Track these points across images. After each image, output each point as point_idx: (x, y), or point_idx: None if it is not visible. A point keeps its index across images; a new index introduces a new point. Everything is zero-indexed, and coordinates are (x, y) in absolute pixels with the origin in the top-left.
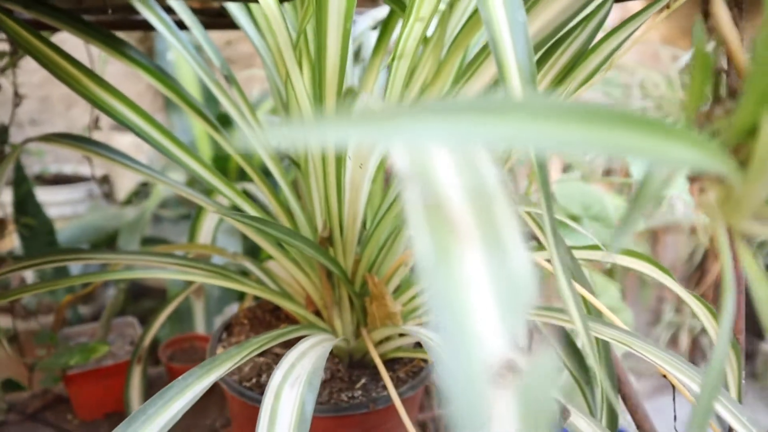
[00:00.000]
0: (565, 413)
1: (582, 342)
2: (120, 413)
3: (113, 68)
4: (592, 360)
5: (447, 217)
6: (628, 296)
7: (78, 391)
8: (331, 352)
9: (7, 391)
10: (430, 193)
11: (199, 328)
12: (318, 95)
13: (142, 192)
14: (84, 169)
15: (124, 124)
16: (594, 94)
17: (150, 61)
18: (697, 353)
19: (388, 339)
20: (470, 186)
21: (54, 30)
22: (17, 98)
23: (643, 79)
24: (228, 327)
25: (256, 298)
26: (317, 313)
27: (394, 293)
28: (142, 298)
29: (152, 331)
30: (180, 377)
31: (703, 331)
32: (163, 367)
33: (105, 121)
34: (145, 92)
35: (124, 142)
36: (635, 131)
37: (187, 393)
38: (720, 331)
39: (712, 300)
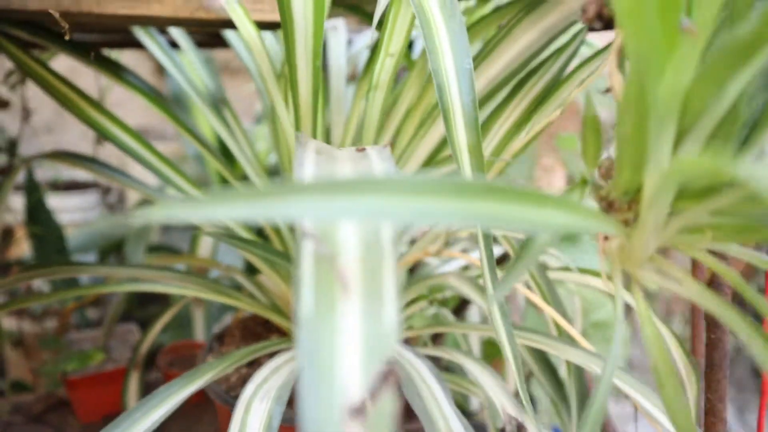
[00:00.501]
0: (521, 430)
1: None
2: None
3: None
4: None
5: (336, 270)
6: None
7: (78, 395)
8: None
9: (14, 393)
10: (326, 248)
11: (199, 335)
12: (297, 126)
13: (150, 201)
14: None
15: (124, 150)
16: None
17: (145, 85)
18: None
19: None
20: (364, 246)
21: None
22: (26, 112)
23: None
24: (220, 337)
25: None
26: None
27: None
28: (149, 304)
29: (149, 338)
30: (164, 385)
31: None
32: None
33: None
34: None
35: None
36: (508, 202)
37: (169, 401)
38: (604, 373)
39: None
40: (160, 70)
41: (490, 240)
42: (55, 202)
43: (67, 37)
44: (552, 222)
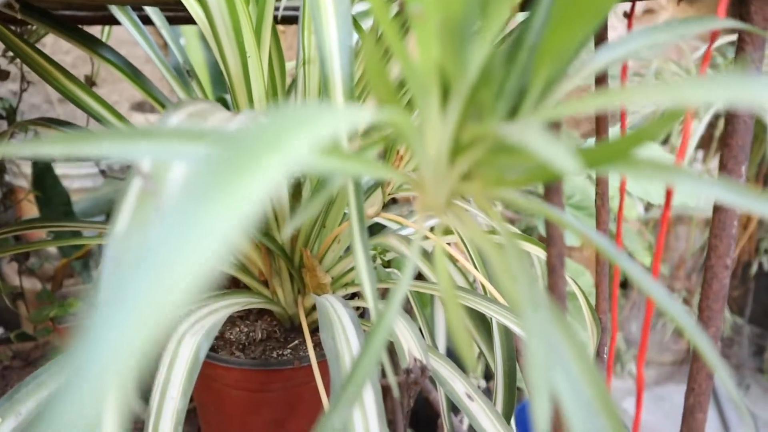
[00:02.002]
0: (424, 371)
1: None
2: None
3: (138, 51)
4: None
5: (156, 200)
6: (633, 283)
7: (67, 342)
8: (273, 317)
9: (19, 341)
10: (153, 185)
11: None
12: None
13: None
14: None
15: (100, 122)
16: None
17: (121, 60)
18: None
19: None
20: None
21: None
22: (24, 83)
23: (659, 68)
24: None
25: None
26: (266, 283)
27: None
28: None
29: None
30: None
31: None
32: None
33: (126, 98)
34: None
35: (140, 119)
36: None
37: None
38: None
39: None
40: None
41: (360, 191)
42: (63, 169)
43: (19, 17)
44: (339, 168)
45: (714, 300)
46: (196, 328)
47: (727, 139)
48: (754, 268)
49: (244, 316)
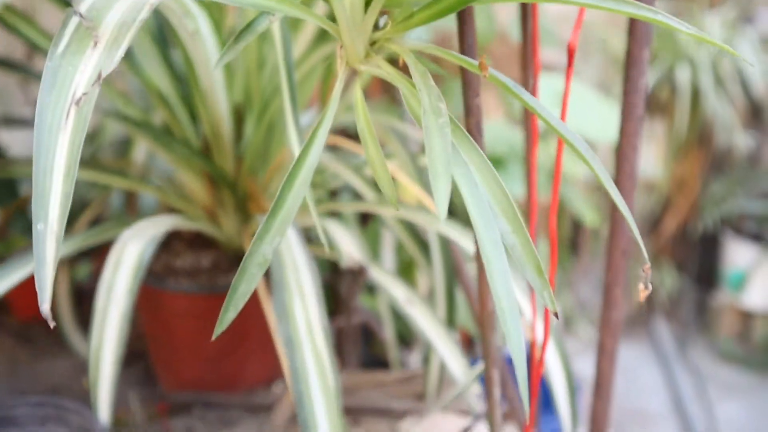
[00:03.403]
0: (361, 271)
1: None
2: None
3: None
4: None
5: (93, 34)
6: (583, 248)
7: (14, 293)
8: (219, 248)
9: None
10: (91, 23)
11: None
12: None
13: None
14: None
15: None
16: (550, 52)
17: None
18: (653, 308)
19: None
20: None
21: None
22: None
23: (605, 38)
24: None
25: None
26: (212, 216)
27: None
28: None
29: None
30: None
31: (658, 286)
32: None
33: None
34: None
35: None
36: None
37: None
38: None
39: (671, 253)
40: None
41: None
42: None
43: None
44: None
45: (627, 179)
46: (139, 235)
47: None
48: (699, 230)
49: (191, 246)
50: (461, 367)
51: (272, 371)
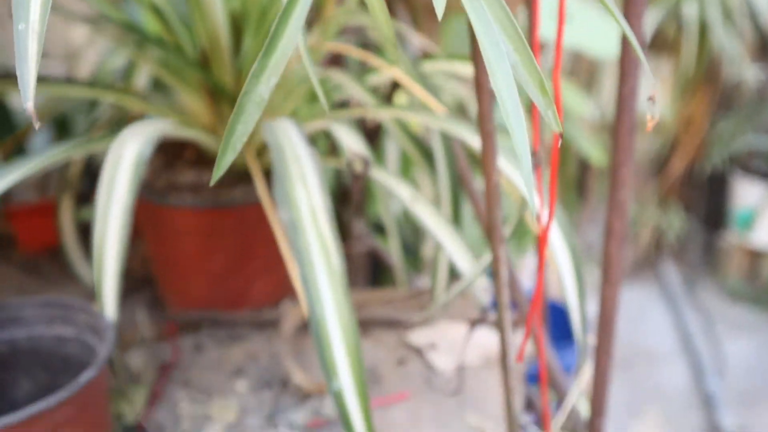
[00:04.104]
0: (366, 163)
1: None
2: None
3: None
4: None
5: None
6: (590, 190)
7: (19, 226)
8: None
9: None
10: None
11: None
12: None
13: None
14: None
15: None
16: None
17: None
18: (661, 250)
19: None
20: None
21: None
22: None
23: None
24: None
25: None
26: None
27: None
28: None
29: (78, 162)
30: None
31: (666, 228)
32: None
33: None
34: None
35: None
36: None
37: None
38: None
39: (678, 194)
40: None
41: None
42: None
43: None
44: None
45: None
46: (139, 133)
47: None
48: (707, 170)
49: (193, 165)
50: (468, 263)
51: (280, 291)
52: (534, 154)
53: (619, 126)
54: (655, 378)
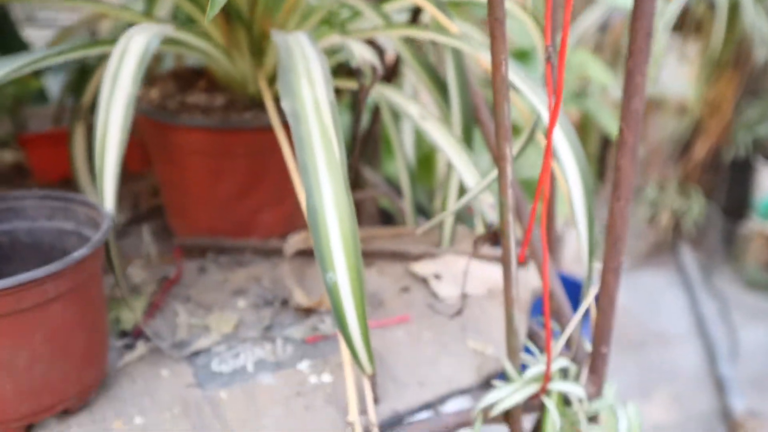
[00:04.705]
0: (375, 70)
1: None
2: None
3: None
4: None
5: None
6: (610, 167)
7: (34, 154)
8: (232, 91)
9: None
10: None
11: None
12: None
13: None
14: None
15: None
16: None
17: None
18: (680, 235)
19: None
20: None
21: None
22: None
23: None
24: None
25: None
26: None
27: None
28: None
29: (92, 86)
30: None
31: (686, 213)
32: None
33: None
34: None
35: None
36: None
37: None
38: None
39: (699, 179)
40: None
41: None
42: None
43: None
44: None
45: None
46: (146, 29)
47: None
48: (730, 156)
49: (206, 90)
50: (476, 179)
51: (287, 225)
52: (546, 47)
53: (635, 29)
54: (668, 360)
